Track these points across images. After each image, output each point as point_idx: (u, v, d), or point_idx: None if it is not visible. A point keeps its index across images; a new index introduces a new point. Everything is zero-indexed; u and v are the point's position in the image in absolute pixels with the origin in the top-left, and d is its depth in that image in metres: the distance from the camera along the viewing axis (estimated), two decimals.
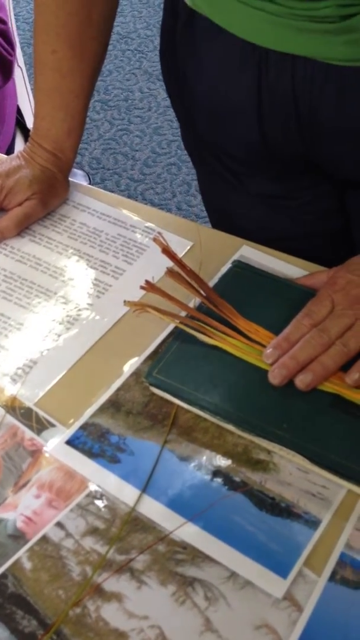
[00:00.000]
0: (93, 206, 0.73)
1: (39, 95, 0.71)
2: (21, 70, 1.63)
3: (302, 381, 0.54)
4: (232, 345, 0.57)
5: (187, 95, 0.71)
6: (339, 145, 0.66)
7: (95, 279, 0.66)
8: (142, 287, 0.60)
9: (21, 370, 0.59)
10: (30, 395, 0.57)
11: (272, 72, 0.62)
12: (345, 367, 0.54)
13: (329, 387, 0.54)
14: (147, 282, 0.60)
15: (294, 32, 0.58)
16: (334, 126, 0.64)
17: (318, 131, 0.65)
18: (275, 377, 0.54)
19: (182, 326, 0.58)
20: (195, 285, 0.61)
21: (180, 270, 0.61)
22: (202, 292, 0.61)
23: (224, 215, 0.82)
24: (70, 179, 0.74)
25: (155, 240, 0.61)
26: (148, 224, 0.71)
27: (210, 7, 0.63)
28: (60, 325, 0.62)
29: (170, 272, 0.60)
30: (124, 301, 0.61)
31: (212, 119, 0.70)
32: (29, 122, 1.76)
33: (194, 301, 0.61)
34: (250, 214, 0.78)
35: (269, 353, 0.55)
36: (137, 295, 0.62)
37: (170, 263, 0.61)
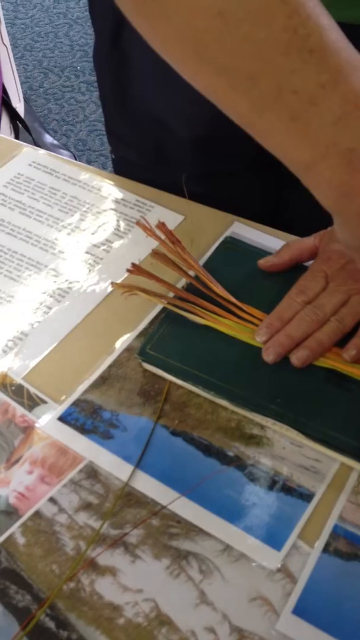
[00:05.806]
0: (84, 180, 0.72)
1: None
2: (6, 48, 1.60)
3: (298, 358, 0.53)
4: (223, 324, 0.57)
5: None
6: None
7: (86, 252, 0.66)
8: (128, 270, 0.59)
9: (12, 342, 0.59)
10: (21, 367, 0.57)
11: None
12: (339, 343, 0.54)
13: (324, 362, 0.54)
14: (133, 264, 0.59)
15: None
16: None
17: None
18: (269, 354, 0.54)
19: (171, 307, 0.58)
20: (183, 265, 0.60)
21: (166, 251, 0.60)
22: (190, 272, 0.60)
23: None
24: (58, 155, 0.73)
25: (138, 224, 0.60)
26: (139, 198, 0.70)
27: None
28: (51, 297, 0.62)
29: (155, 253, 0.59)
30: (111, 283, 0.60)
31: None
32: (14, 101, 1.73)
33: (184, 280, 0.61)
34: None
35: (262, 332, 0.55)
36: (129, 267, 0.61)
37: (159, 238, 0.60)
